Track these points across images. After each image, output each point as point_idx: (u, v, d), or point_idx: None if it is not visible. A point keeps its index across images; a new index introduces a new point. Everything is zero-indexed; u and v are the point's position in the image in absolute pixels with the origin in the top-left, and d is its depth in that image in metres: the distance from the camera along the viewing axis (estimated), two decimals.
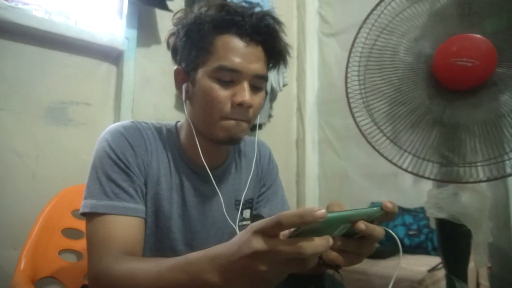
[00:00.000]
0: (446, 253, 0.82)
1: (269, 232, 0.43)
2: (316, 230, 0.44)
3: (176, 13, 0.76)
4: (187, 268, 0.49)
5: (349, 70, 0.82)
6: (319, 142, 2.07)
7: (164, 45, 1.59)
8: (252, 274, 0.44)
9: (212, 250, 0.48)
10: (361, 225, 0.47)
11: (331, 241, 0.43)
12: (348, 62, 0.84)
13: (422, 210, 1.46)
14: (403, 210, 1.53)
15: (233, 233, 0.83)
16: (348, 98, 0.85)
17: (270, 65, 0.74)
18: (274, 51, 0.72)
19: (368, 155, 1.82)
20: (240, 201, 0.83)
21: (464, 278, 0.80)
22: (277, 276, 0.44)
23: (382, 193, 1.69)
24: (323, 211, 0.40)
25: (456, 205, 0.76)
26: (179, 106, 1.61)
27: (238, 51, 0.67)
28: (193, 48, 0.69)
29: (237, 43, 0.67)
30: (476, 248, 0.76)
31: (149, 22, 1.52)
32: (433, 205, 0.79)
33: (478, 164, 0.67)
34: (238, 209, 0.83)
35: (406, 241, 1.38)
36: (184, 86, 0.72)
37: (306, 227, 0.43)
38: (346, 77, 0.82)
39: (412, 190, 1.60)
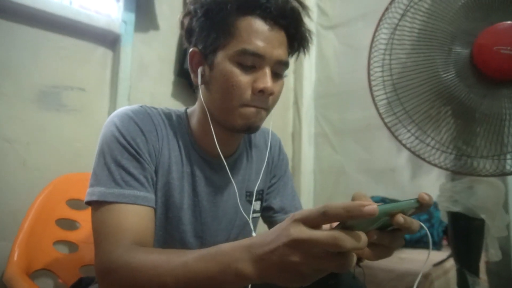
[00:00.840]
0: (458, 246, 0.82)
1: (311, 222, 0.40)
2: (357, 224, 0.41)
3: None
4: (218, 258, 0.46)
5: (372, 56, 0.78)
6: (315, 136, 2.05)
7: (162, 31, 1.57)
8: (287, 266, 0.41)
9: (246, 240, 0.45)
10: (400, 218, 0.45)
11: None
12: (371, 48, 0.81)
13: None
14: None
15: (244, 225, 0.80)
16: (371, 87, 0.81)
17: (289, 51, 0.71)
18: (297, 37, 0.69)
19: (365, 150, 1.82)
20: (250, 192, 0.80)
21: (476, 272, 0.79)
22: (314, 272, 0.41)
23: (379, 188, 1.69)
24: (374, 207, 0.38)
25: (473, 198, 0.75)
26: (176, 94, 1.56)
27: (262, 34, 0.63)
28: (212, 29, 0.64)
29: (261, 26, 0.63)
30: (491, 242, 0.75)
31: (147, 6, 1.46)
32: (447, 199, 0.78)
33: (508, 157, 0.66)
34: (249, 201, 0.80)
35: (406, 236, 1.37)
36: (200, 70, 0.68)
37: (351, 221, 0.40)
38: (369, 64, 0.79)
39: (410, 185, 1.61)
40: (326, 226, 0.42)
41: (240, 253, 0.44)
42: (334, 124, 1.96)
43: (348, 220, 0.39)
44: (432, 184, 1.56)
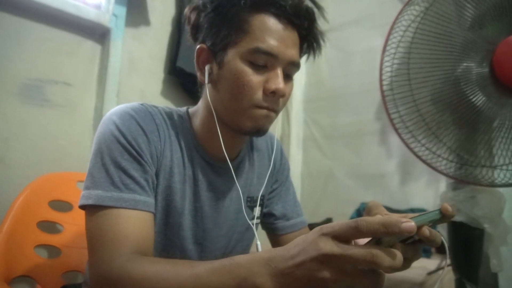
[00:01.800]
0: (458, 256, 0.81)
1: (341, 237, 0.37)
2: (386, 238, 0.39)
3: None
4: (234, 271, 0.42)
5: (385, 59, 0.76)
6: (304, 139, 2.04)
7: (153, 27, 1.51)
8: (314, 282, 0.38)
9: (264, 252, 0.43)
10: (426, 231, 0.43)
11: None
12: (384, 50, 0.79)
13: (412, 212, 1.47)
14: (392, 211, 1.54)
15: (244, 232, 0.77)
16: (382, 91, 0.78)
17: (300, 53, 0.68)
18: (309, 38, 0.67)
19: (355, 155, 1.82)
20: (252, 197, 0.77)
21: (475, 282, 0.79)
22: None
23: (368, 193, 1.69)
24: (412, 224, 0.36)
25: (476, 207, 0.74)
26: (166, 93, 1.51)
27: (276, 33, 0.60)
28: (223, 25, 0.61)
29: (275, 24, 0.60)
30: (493, 252, 0.75)
31: (139, 0, 1.40)
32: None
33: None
34: (249, 206, 0.77)
35: None
36: (207, 68, 0.64)
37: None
38: (381, 67, 0.77)
39: (399, 191, 1.62)
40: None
41: (258, 266, 0.42)
42: (324, 128, 1.95)
43: (384, 236, 0.37)
44: (421, 191, 1.59)
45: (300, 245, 0.40)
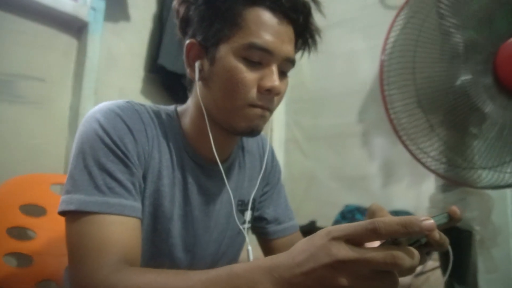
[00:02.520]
0: (448, 258, 0.81)
1: (355, 240, 0.35)
2: (401, 240, 0.37)
3: None
4: (233, 282, 0.39)
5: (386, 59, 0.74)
6: (286, 141, 2.02)
7: (133, 23, 1.45)
8: None
9: (266, 260, 0.39)
10: (436, 234, 0.41)
11: None
12: (384, 50, 0.76)
13: (396, 214, 1.47)
14: None
15: (235, 237, 0.73)
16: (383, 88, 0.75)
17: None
18: (305, 34, 0.64)
19: (337, 157, 1.82)
20: (243, 201, 0.74)
21: (464, 284, 0.79)
22: None
23: (350, 195, 1.69)
24: (432, 222, 0.34)
25: (467, 209, 0.74)
26: (146, 92, 1.45)
27: (271, 28, 0.57)
28: (216, 19, 0.57)
29: (270, 19, 0.57)
30: (485, 254, 0.75)
31: None
32: (440, 210, 0.77)
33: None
34: (240, 210, 0.73)
35: None
36: (197, 64, 0.61)
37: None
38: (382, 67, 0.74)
39: (381, 193, 1.63)
40: None
41: (260, 276, 0.38)
42: (306, 130, 1.95)
43: (403, 237, 0.35)
44: (403, 193, 1.60)
45: (307, 251, 0.37)
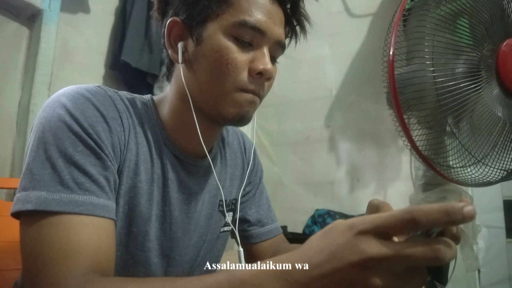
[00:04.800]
0: None
1: (387, 232, 0.30)
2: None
3: None
4: None
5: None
6: None
7: (93, 15, 1.34)
8: None
9: (276, 263, 0.33)
10: (454, 228, 0.38)
11: None
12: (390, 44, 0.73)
13: None
14: (346, 216, 1.54)
15: (215, 241, 0.67)
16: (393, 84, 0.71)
17: None
18: (294, 19, 0.60)
19: (304, 162, 1.80)
20: (224, 201, 0.67)
21: (444, 282, 0.79)
22: None
23: (317, 201, 1.68)
24: (473, 207, 0.30)
25: None
26: None
27: (263, 7, 0.53)
28: None
29: None
30: (467, 252, 0.75)
31: None
32: None
33: None
34: (221, 211, 0.67)
35: None
36: (180, 45, 0.54)
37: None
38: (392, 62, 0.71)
39: (348, 198, 1.63)
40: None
41: (270, 281, 0.32)
42: (272, 135, 1.92)
43: (444, 226, 0.31)
44: (370, 197, 1.60)
45: (326, 250, 0.31)
